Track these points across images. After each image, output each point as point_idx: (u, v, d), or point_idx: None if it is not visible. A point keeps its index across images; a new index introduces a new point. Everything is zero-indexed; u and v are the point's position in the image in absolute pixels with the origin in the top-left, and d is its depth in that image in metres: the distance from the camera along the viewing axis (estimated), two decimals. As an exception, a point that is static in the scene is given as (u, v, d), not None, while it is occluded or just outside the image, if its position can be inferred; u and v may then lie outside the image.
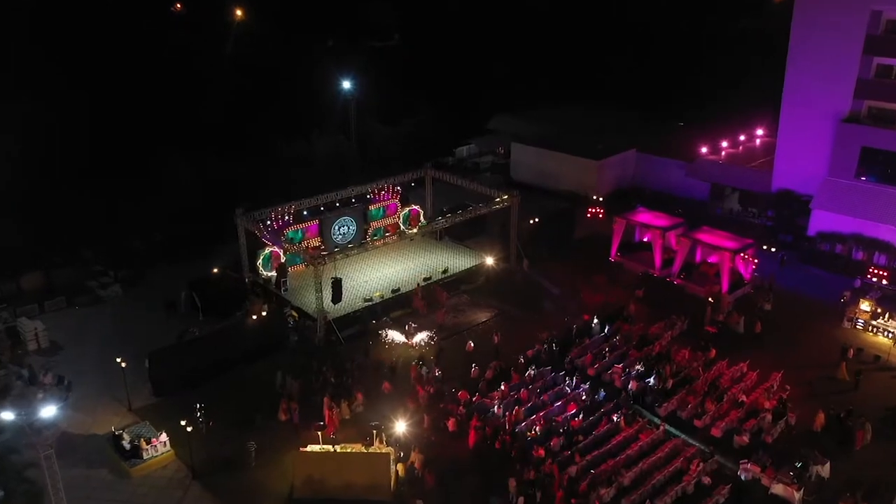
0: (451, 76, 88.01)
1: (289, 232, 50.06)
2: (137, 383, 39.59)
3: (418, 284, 48.69)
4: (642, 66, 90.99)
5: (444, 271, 51.20)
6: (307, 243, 51.41)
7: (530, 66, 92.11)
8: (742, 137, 71.20)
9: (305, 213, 51.54)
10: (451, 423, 36.26)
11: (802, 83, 56.13)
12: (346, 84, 70.49)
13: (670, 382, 39.15)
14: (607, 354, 42.29)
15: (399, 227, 56.07)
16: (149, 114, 66.81)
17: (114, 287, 50.68)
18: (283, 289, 48.56)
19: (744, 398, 38.02)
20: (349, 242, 52.70)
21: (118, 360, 37.90)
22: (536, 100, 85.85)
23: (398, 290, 48.77)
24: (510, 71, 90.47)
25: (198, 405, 35.33)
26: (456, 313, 48.26)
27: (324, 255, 43.93)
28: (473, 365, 40.85)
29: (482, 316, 48.05)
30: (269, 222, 48.92)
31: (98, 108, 64.91)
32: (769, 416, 36.34)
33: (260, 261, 49.47)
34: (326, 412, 36.47)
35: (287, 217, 50.31)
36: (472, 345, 43.31)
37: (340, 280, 44.13)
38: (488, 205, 51.53)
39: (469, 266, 52.35)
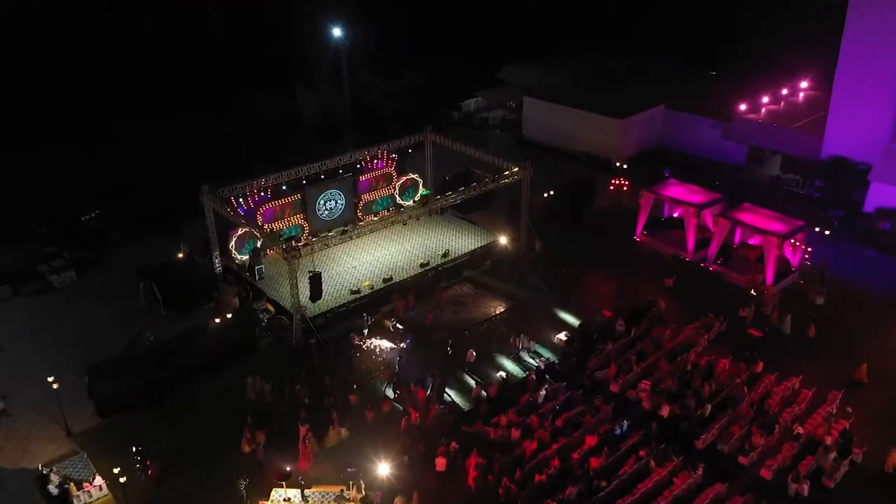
0: (459, 18, 79.21)
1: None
2: (84, 399, 33.80)
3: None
4: (670, 7, 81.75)
5: (445, 254, 44.53)
6: (287, 221, 44.93)
7: (546, 9, 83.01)
8: (784, 91, 63.14)
9: (284, 187, 44.69)
10: (440, 463, 30.13)
11: (864, 34, 48.82)
12: (337, 31, 62.25)
13: (708, 408, 32.68)
14: (634, 366, 35.77)
15: (396, 201, 49.33)
16: (107, 72, 58.97)
17: (68, 272, 44.48)
18: (257, 277, 42.23)
19: (800, 430, 31.54)
20: (336, 219, 46.36)
21: (49, 379, 31.67)
22: (553, 47, 77.50)
23: (391, 278, 42.27)
24: (524, 14, 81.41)
25: (133, 448, 29.25)
26: (456, 307, 41.74)
27: (298, 248, 37.19)
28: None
29: (490, 310, 41.52)
30: (241, 199, 42.39)
31: (52, 68, 57.27)
32: (833, 455, 29.96)
33: (232, 243, 43.08)
34: (301, 446, 30.60)
35: (264, 192, 43.64)
36: (475, 354, 36.79)
37: (320, 274, 37.48)
38: (496, 179, 44.43)
39: (475, 248, 45.58)
